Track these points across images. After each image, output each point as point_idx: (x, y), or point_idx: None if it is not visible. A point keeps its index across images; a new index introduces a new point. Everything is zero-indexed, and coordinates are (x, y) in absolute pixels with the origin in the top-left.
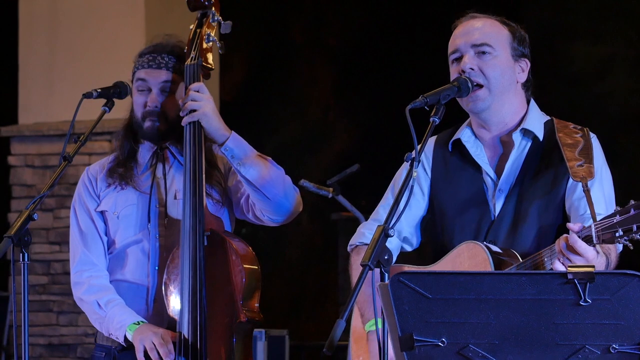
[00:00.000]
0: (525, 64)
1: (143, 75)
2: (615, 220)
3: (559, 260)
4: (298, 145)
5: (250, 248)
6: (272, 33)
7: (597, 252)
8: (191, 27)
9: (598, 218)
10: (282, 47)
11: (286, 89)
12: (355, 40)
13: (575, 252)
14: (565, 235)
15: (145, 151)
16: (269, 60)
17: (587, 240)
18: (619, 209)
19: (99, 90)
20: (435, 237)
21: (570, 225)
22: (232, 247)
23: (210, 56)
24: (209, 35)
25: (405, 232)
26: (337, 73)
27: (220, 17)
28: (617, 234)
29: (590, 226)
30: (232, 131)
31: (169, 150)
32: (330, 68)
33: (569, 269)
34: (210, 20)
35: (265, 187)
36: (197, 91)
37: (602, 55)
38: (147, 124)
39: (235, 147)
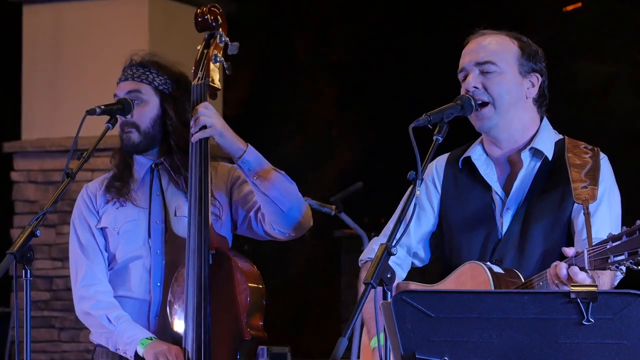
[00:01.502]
0: (537, 79)
1: (115, 91)
2: (607, 247)
3: (551, 285)
4: (301, 161)
5: (255, 267)
6: (276, 50)
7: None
8: (198, 47)
9: (594, 243)
10: (286, 63)
11: (289, 106)
12: (358, 57)
13: (573, 282)
14: (556, 263)
15: (140, 166)
16: (272, 76)
17: (580, 267)
18: (612, 235)
19: (102, 107)
20: (444, 253)
21: (565, 249)
22: (237, 266)
23: (217, 76)
24: (216, 55)
25: (415, 248)
26: (341, 90)
27: (227, 39)
28: (609, 261)
29: (583, 252)
30: (248, 144)
31: (165, 166)
32: (334, 85)
33: (572, 288)
34: (218, 42)
35: (281, 200)
36: (206, 109)
37: (605, 73)
38: (124, 136)
39: (252, 160)
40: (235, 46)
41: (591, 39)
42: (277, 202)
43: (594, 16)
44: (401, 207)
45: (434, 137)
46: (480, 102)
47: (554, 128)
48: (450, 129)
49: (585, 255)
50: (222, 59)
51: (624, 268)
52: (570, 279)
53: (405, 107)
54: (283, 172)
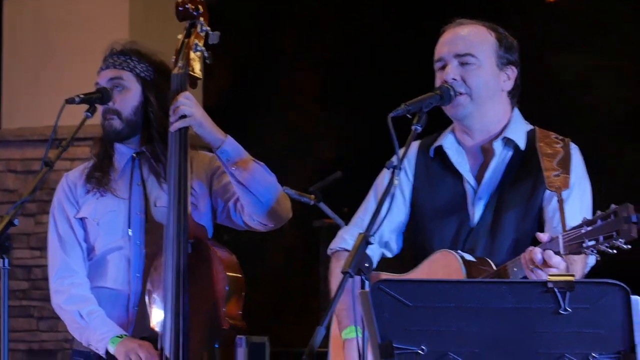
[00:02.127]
0: (512, 71)
1: (96, 79)
2: (582, 231)
3: (525, 270)
4: (281, 152)
5: (234, 256)
6: (257, 40)
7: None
8: (179, 36)
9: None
10: (267, 54)
11: (270, 96)
12: (340, 49)
13: (548, 266)
14: (530, 248)
15: (121, 155)
16: (253, 67)
17: (555, 252)
18: (586, 219)
19: (81, 96)
20: (416, 243)
21: (539, 234)
22: (216, 255)
23: (197, 66)
24: (196, 45)
25: (386, 238)
26: (324, 82)
27: (208, 28)
28: (583, 245)
29: (557, 237)
30: (227, 135)
31: (146, 155)
32: (316, 75)
33: (549, 277)
34: (199, 31)
35: (259, 190)
36: (186, 99)
37: (588, 65)
38: (105, 123)
39: (231, 150)
40: (216, 35)
41: (574, 30)
42: (255, 193)
43: (576, 7)
44: (374, 194)
45: (413, 127)
46: (457, 92)
47: (536, 121)
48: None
49: (560, 240)
50: (203, 48)
51: (596, 253)
52: (545, 263)
53: (385, 97)
54: (262, 163)
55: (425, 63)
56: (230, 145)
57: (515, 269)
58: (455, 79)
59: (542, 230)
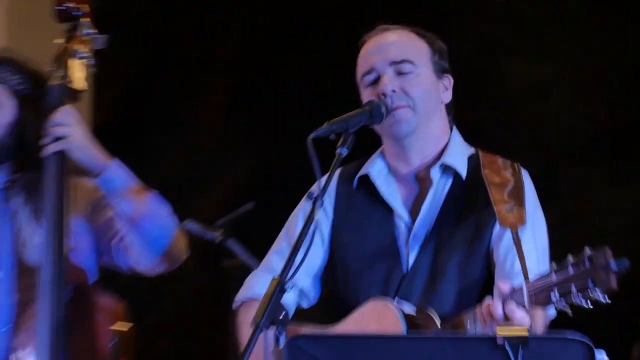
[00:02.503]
0: (449, 81)
1: None
2: (551, 281)
3: (483, 326)
4: (184, 178)
5: (122, 304)
6: (155, 45)
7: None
8: (58, 41)
9: (530, 275)
10: (167, 61)
11: (171, 109)
12: (254, 53)
13: (510, 321)
14: (488, 300)
15: None
16: (151, 74)
17: (519, 303)
18: (555, 266)
19: None
20: (338, 291)
21: (500, 285)
22: (99, 304)
23: (80, 76)
24: (78, 51)
25: (302, 285)
26: (233, 93)
27: (93, 30)
28: (552, 298)
29: (521, 287)
30: (114, 159)
31: (19, 184)
32: (224, 85)
33: (498, 332)
34: (82, 34)
35: (149, 227)
36: (64, 116)
37: (543, 75)
38: None
39: (116, 178)
40: (103, 39)
41: (527, 34)
42: (142, 230)
43: (531, 7)
44: (286, 232)
45: (337, 151)
46: (394, 107)
47: (483, 140)
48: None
49: (525, 291)
50: (87, 54)
51: (568, 307)
52: (507, 318)
53: (308, 113)
54: (155, 191)
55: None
56: (115, 172)
57: (468, 326)
58: (395, 91)
59: (491, 276)
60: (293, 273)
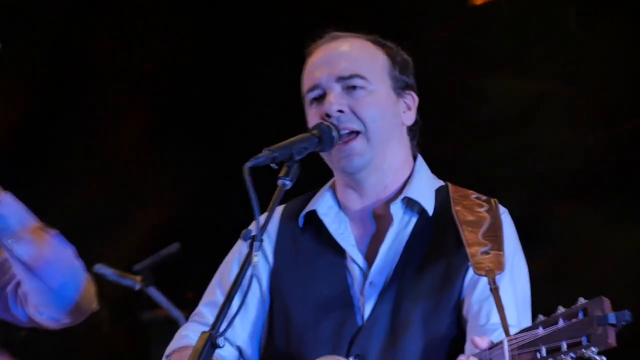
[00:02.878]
0: (412, 100)
1: None
2: (538, 335)
3: None
4: (96, 214)
5: None
6: (63, 54)
7: None
8: None
9: (511, 330)
10: (77, 73)
11: (82, 133)
12: (181, 64)
13: None
14: (462, 357)
15: None
16: (57, 91)
17: None
18: (542, 318)
19: None
20: (276, 349)
21: (475, 340)
22: None
23: None
24: None
25: (239, 341)
26: (155, 111)
27: None
28: (539, 355)
29: (501, 342)
30: (6, 193)
31: None
32: (146, 103)
33: None
34: None
35: (47, 272)
36: None
37: (527, 93)
38: None
39: (9, 214)
40: None
41: (510, 45)
42: (42, 277)
43: (513, 14)
44: (219, 278)
45: (279, 182)
46: (347, 131)
47: (454, 170)
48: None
49: (506, 347)
50: None
51: None
52: None
53: (246, 135)
54: (55, 231)
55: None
56: (9, 208)
57: None
58: (342, 111)
59: (461, 331)
60: (227, 326)
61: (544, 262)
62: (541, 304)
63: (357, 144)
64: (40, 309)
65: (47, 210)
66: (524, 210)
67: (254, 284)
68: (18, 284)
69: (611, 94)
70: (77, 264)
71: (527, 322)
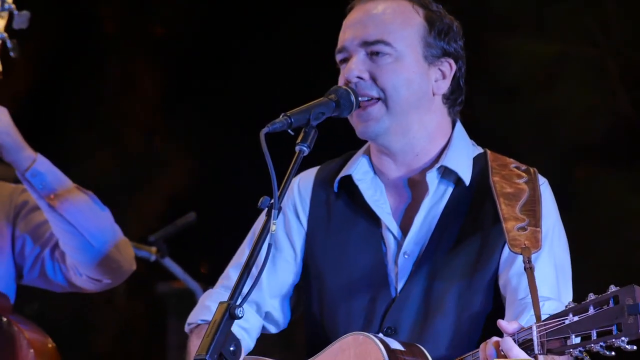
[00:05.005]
0: (449, 67)
1: None
2: (567, 322)
3: None
4: (109, 183)
5: (50, 338)
6: (73, 21)
7: None
8: None
9: (544, 310)
10: (86, 41)
11: (93, 102)
12: (193, 29)
13: None
14: (495, 338)
15: None
16: (68, 60)
17: (527, 347)
18: (573, 305)
19: None
20: (312, 316)
21: (502, 323)
22: (23, 336)
23: None
24: None
25: (268, 306)
26: (169, 77)
27: (13, 5)
28: (568, 342)
29: (531, 327)
30: (38, 153)
31: None
32: (160, 69)
33: None
34: None
35: (88, 228)
36: None
37: (550, 56)
38: None
39: (46, 172)
40: (25, 17)
41: (530, 6)
42: (85, 232)
43: None
44: (248, 247)
45: (297, 147)
46: (365, 98)
47: (475, 135)
48: (320, 134)
49: (535, 333)
50: (4, 34)
51: (586, 354)
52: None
53: (261, 102)
54: (91, 192)
55: (330, 42)
56: (44, 165)
57: None
58: (361, 77)
59: (498, 305)
60: (245, 296)
61: (570, 229)
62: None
63: (375, 109)
64: (80, 269)
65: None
66: (549, 175)
67: (287, 247)
68: (54, 249)
69: (638, 54)
70: (114, 224)
71: (568, 295)
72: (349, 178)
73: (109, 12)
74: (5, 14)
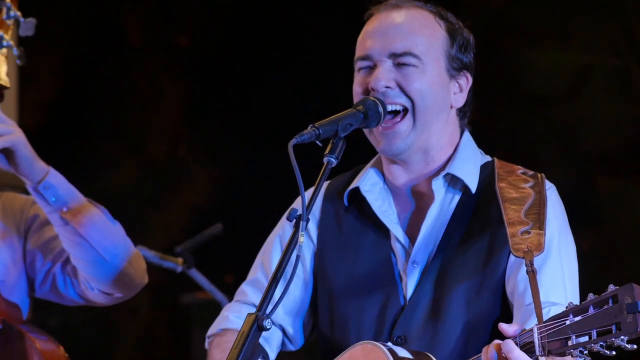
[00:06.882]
0: (466, 81)
1: None
2: (567, 323)
3: None
4: (133, 195)
5: (62, 348)
6: (97, 32)
7: None
8: None
9: (546, 312)
10: (111, 51)
11: (117, 113)
12: (217, 40)
13: None
14: (496, 341)
15: None
16: (91, 70)
17: (529, 349)
18: (573, 305)
19: None
20: (323, 329)
21: (503, 326)
22: (34, 347)
23: (2, 69)
24: (1, 38)
25: (281, 321)
26: (191, 88)
27: (18, 13)
28: (569, 343)
29: (532, 329)
30: (50, 167)
31: None
32: (185, 80)
33: None
34: (4, 17)
35: (103, 244)
36: None
37: (574, 66)
38: None
39: (59, 185)
40: (31, 24)
41: (555, 16)
42: (96, 246)
43: None
44: (264, 258)
45: (325, 159)
46: (393, 107)
47: (496, 146)
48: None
49: (536, 334)
50: (11, 42)
51: (587, 355)
52: None
53: (286, 114)
54: (102, 206)
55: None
56: (57, 178)
57: None
58: (389, 87)
59: (506, 311)
60: (273, 308)
61: (594, 241)
62: (591, 284)
63: (403, 125)
64: (92, 283)
65: (85, 191)
66: (572, 186)
67: (299, 264)
68: (65, 264)
69: None
70: (126, 237)
71: (575, 301)
72: (357, 190)
73: (135, 24)
74: (11, 22)
